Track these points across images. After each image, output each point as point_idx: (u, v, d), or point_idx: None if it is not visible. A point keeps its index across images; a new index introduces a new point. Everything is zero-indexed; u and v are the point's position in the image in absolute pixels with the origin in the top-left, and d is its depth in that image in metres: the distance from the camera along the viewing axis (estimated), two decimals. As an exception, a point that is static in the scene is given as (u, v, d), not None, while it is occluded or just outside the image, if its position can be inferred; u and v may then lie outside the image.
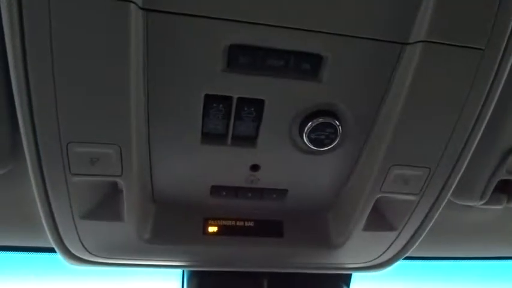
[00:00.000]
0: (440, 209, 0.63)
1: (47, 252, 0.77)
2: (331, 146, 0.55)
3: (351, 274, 0.92)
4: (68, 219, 0.57)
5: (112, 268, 0.68)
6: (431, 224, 0.65)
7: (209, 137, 0.55)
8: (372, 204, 0.61)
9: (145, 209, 0.62)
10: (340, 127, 0.53)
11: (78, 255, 0.63)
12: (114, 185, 0.57)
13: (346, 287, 0.92)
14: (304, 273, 0.74)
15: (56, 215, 0.56)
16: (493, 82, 0.50)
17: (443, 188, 0.60)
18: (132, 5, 0.40)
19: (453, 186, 0.60)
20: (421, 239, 0.67)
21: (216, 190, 0.62)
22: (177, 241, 0.64)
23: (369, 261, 0.72)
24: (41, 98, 0.45)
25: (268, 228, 0.67)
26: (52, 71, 0.43)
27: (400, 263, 0.74)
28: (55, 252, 0.62)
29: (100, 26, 0.41)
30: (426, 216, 0.64)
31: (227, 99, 0.51)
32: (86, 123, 0.47)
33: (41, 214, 0.56)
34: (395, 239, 0.67)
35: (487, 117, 0.53)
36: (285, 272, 0.73)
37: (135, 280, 1.13)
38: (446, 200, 0.62)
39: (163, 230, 0.64)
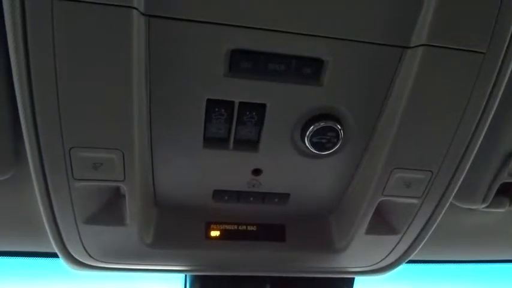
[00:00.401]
0: (443, 212, 0.62)
1: (49, 257, 0.76)
2: (333, 149, 0.55)
3: (353, 278, 0.91)
4: (70, 224, 0.57)
5: (114, 273, 0.68)
6: (433, 228, 0.64)
7: (211, 141, 0.55)
8: (374, 207, 0.61)
9: (148, 214, 0.62)
10: (341, 131, 0.53)
11: (81, 260, 0.63)
12: (117, 189, 0.58)
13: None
14: (307, 278, 0.74)
15: (58, 220, 0.56)
16: (494, 85, 0.50)
17: (445, 192, 0.60)
18: (134, 11, 0.41)
19: (455, 190, 0.60)
20: (423, 242, 0.67)
21: (218, 194, 0.62)
22: (180, 245, 0.64)
23: (372, 265, 0.72)
24: (43, 103, 0.45)
25: (270, 233, 0.67)
26: (55, 77, 0.43)
27: (403, 267, 0.73)
28: (58, 257, 0.62)
29: (102, 32, 0.41)
30: (429, 219, 0.63)
31: (229, 103, 0.51)
32: (89, 128, 0.48)
33: (44, 219, 0.56)
34: (397, 243, 0.67)
35: (489, 120, 0.53)
36: (287, 276, 0.73)
37: (137, 285, 1.13)
38: (448, 204, 0.62)
39: (166, 234, 0.64)
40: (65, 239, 0.59)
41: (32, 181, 0.52)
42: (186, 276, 0.89)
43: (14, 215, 0.68)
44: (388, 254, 0.70)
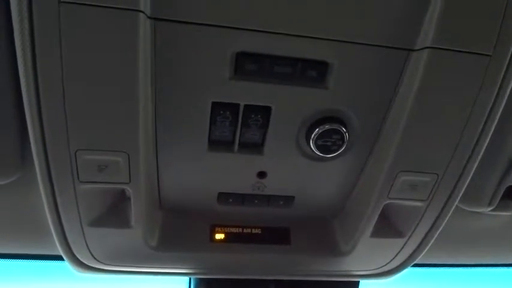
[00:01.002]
0: (449, 215, 0.62)
1: (54, 260, 0.76)
2: (338, 152, 0.55)
3: (358, 282, 0.91)
4: (76, 227, 0.57)
5: (119, 275, 0.68)
6: (439, 231, 0.64)
7: (216, 144, 0.55)
8: (379, 210, 0.61)
9: (153, 216, 0.62)
10: (346, 134, 0.53)
11: (86, 262, 0.63)
12: (122, 192, 0.58)
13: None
14: (311, 281, 0.73)
15: (64, 223, 0.57)
16: (500, 88, 0.50)
17: (451, 194, 0.59)
18: (140, 14, 0.41)
19: (461, 193, 0.59)
20: (429, 245, 0.67)
21: (223, 197, 0.62)
22: (184, 248, 0.64)
23: (377, 269, 0.72)
24: (50, 106, 0.45)
25: (275, 236, 0.66)
26: (62, 80, 0.44)
27: (408, 270, 0.73)
28: (63, 260, 0.63)
29: (108, 34, 0.42)
30: (434, 222, 0.63)
31: (234, 106, 0.51)
32: (95, 131, 0.48)
33: (49, 222, 0.56)
34: (403, 246, 0.67)
35: (495, 123, 0.53)
36: (291, 279, 0.73)
37: (141, 287, 1.13)
38: (454, 207, 0.61)
39: (171, 237, 0.64)
40: (70, 241, 0.59)
41: (37, 184, 0.52)
42: (190, 279, 0.89)
43: (19, 218, 0.68)
44: (394, 258, 0.69)
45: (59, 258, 0.66)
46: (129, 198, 0.55)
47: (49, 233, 0.58)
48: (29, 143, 0.49)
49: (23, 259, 0.75)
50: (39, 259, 0.76)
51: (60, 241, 0.59)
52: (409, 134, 0.52)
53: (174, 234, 0.64)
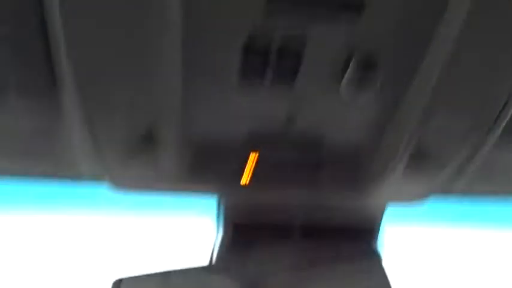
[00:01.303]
0: (487, 150, 0.61)
1: (85, 181, 0.77)
2: (371, 92, 0.53)
3: (380, 228, 0.92)
4: (108, 154, 0.59)
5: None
6: (476, 165, 0.64)
7: (247, 80, 0.54)
8: (410, 150, 0.60)
9: (181, 155, 0.63)
10: (380, 74, 0.52)
11: (116, 186, 0.66)
12: (150, 130, 0.58)
13: (377, 240, 0.92)
14: (335, 227, 0.75)
15: (98, 148, 0.58)
16: None
17: (490, 130, 0.58)
18: None
19: (502, 126, 0.58)
20: (465, 178, 0.66)
21: (251, 136, 0.62)
22: (212, 188, 0.66)
23: (407, 199, 0.73)
24: (75, 40, 0.46)
25: (304, 174, 0.67)
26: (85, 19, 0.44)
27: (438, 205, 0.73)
28: (94, 183, 0.66)
29: None
30: (471, 157, 0.62)
31: (266, 43, 0.49)
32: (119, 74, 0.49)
33: (82, 146, 0.58)
34: (435, 178, 0.67)
35: None
36: (315, 224, 0.74)
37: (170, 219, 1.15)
38: (494, 142, 0.60)
39: (198, 175, 0.65)
40: (103, 165, 0.62)
41: (70, 108, 0.54)
42: (217, 220, 0.91)
43: (53, 141, 0.69)
44: (425, 192, 0.70)
45: (90, 180, 0.70)
46: (157, 136, 0.56)
47: (82, 156, 0.61)
48: (60, 69, 0.50)
49: (56, 182, 0.76)
50: (72, 181, 0.77)
51: (94, 164, 0.62)
52: (446, 76, 0.50)
53: (201, 173, 0.65)
